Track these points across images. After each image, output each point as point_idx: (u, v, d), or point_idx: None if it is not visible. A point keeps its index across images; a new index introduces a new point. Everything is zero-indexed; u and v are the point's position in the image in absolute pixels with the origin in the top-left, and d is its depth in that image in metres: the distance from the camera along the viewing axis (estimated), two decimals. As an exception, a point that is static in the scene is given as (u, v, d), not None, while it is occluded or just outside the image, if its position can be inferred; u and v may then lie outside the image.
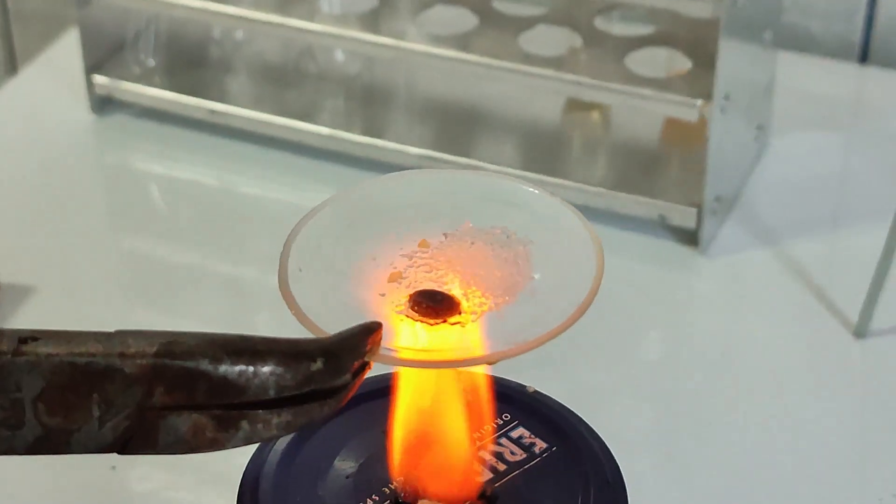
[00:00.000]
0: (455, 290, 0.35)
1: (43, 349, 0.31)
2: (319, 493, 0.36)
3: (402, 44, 0.67)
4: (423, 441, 0.36)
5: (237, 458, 0.36)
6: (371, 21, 0.69)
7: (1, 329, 0.32)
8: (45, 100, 0.76)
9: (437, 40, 0.67)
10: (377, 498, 0.36)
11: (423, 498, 0.36)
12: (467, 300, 0.35)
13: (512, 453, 0.37)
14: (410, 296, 0.35)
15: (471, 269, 0.36)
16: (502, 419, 0.38)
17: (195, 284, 0.65)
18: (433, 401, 0.36)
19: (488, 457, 0.37)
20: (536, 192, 0.37)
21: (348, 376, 0.31)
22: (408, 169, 0.68)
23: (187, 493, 0.54)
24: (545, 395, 0.39)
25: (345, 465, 0.37)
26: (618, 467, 0.37)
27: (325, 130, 0.70)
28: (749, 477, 0.54)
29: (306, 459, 0.37)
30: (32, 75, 0.78)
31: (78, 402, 0.31)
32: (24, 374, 0.31)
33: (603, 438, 0.38)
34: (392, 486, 0.36)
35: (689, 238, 0.65)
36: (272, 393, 0.31)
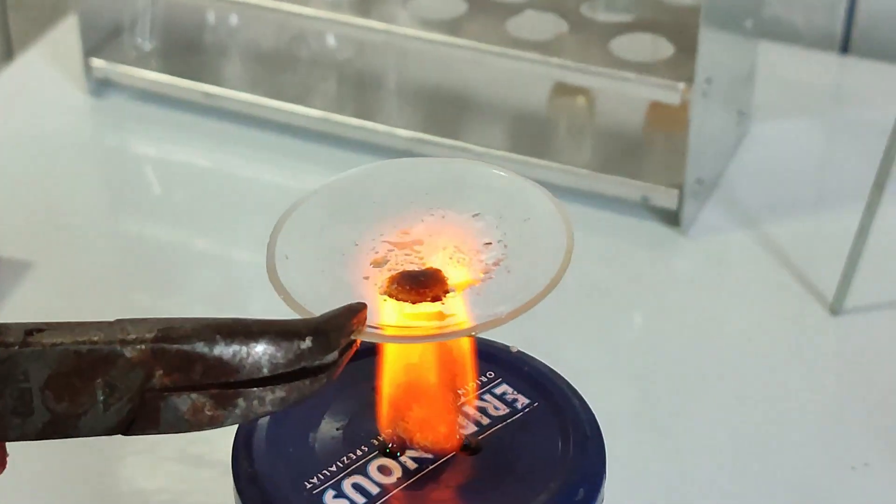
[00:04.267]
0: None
1: (47, 339, 0.32)
2: (311, 444, 0.37)
3: (393, 28, 0.68)
4: (409, 395, 0.37)
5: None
6: (363, 6, 0.70)
7: (7, 324, 0.33)
8: (44, 83, 0.77)
9: (427, 25, 0.68)
10: (366, 448, 0.37)
11: (410, 448, 0.37)
12: (446, 279, 0.36)
13: (496, 408, 0.38)
14: (392, 277, 0.36)
15: (448, 250, 0.37)
16: (486, 377, 0.39)
17: (188, 263, 0.66)
18: (419, 358, 0.38)
19: (472, 411, 0.38)
20: (504, 174, 0.39)
21: (336, 353, 0.33)
22: (398, 151, 0.70)
23: (184, 447, 0.55)
24: (529, 356, 0.40)
25: (336, 419, 0.38)
26: (597, 422, 0.38)
27: (317, 113, 0.71)
28: (724, 444, 0.55)
29: (299, 413, 0.38)
30: (31, 59, 0.79)
31: (83, 387, 0.32)
32: (31, 364, 0.32)
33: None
34: (380, 438, 0.37)
35: (671, 219, 0.66)
36: (265, 371, 0.32)
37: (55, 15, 0.85)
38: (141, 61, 0.75)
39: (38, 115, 0.75)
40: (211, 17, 0.77)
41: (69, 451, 0.55)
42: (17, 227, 0.66)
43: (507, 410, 0.38)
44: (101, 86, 0.76)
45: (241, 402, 0.32)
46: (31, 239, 0.66)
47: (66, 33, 0.79)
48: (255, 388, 0.32)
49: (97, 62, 0.75)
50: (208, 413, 0.33)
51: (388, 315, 0.35)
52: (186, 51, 0.76)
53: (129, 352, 0.32)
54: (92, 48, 0.75)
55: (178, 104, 0.74)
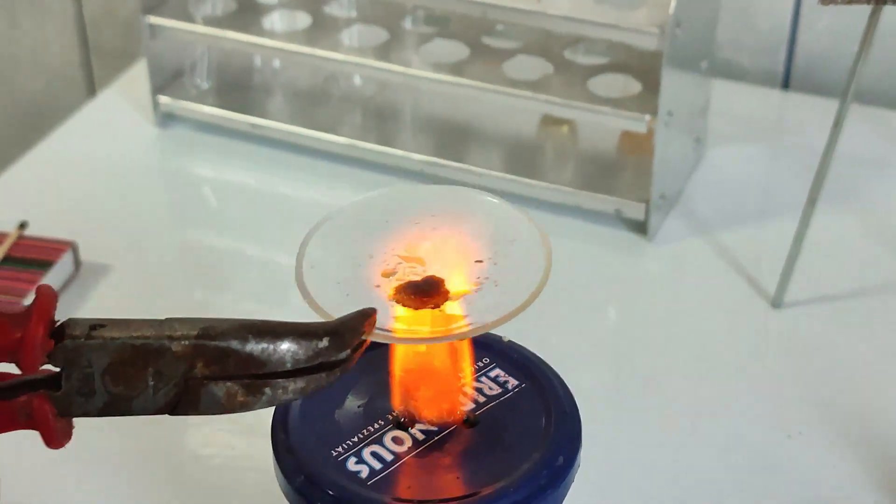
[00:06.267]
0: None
1: (108, 333, 0.33)
2: (337, 419, 0.37)
3: (409, 70, 0.68)
4: (418, 378, 0.37)
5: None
6: (383, 52, 0.70)
7: (76, 319, 0.33)
8: (119, 116, 0.77)
9: (437, 68, 0.68)
10: (382, 422, 0.37)
11: (419, 422, 0.37)
12: (446, 290, 0.37)
13: (490, 388, 0.38)
14: (399, 286, 0.36)
15: (447, 264, 0.37)
16: (482, 362, 0.39)
17: (239, 265, 0.66)
18: (426, 346, 0.38)
19: (471, 391, 0.38)
20: (497, 201, 0.39)
21: (349, 351, 0.33)
22: (413, 172, 0.70)
23: (235, 419, 0.55)
24: (518, 344, 0.40)
25: (357, 398, 0.38)
26: (574, 400, 0.38)
27: (345, 140, 0.71)
28: (681, 416, 0.55)
29: (326, 394, 0.38)
30: (109, 96, 0.80)
31: (136, 374, 0.33)
32: (94, 353, 0.33)
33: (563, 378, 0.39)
34: (394, 414, 0.37)
35: (640, 228, 0.66)
36: (288, 365, 0.33)
37: (129, 60, 0.85)
38: (199, 98, 0.75)
39: (114, 143, 0.75)
40: (257, 61, 0.77)
41: (139, 426, 0.55)
42: (97, 236, 0.66)
43: (500, 390, 0.39)
44: (167, 118, 0.76)
45: (267, 390, 0.33)
46: (109, 246, 0.66)
47: (138, 75, 0.79)
48: (280, 380, 0.33)
49: (163, 99, 0.75)
50: (240, 399, 0.33)
51: (395, 318, 0.36)
52: (237, 89, 0.76)
53: (175, 346, 0.33)
54: (159, 87, 0.75)
55: (231, 133, 0.75)
